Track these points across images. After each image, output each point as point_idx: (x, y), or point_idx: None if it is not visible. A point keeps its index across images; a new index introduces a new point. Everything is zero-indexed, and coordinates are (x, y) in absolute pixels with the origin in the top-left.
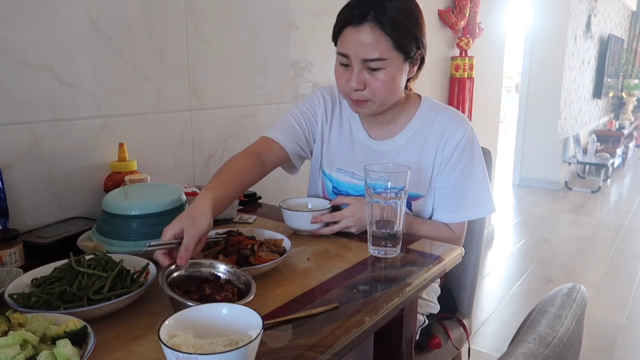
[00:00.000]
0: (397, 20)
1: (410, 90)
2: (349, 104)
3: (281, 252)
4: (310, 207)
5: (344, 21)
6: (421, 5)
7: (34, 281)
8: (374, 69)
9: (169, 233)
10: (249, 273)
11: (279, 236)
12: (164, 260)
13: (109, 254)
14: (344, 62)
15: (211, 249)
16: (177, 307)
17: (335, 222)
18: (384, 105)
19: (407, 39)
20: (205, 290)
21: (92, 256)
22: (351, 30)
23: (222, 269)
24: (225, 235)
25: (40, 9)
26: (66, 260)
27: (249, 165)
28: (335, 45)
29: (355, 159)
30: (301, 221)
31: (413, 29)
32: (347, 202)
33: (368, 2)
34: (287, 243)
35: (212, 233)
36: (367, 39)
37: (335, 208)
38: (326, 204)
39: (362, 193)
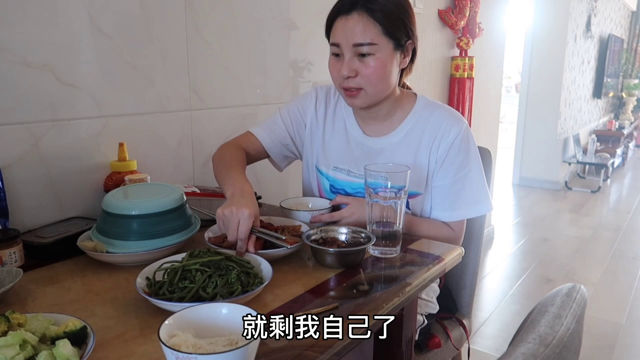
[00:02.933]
0: (386, 7)
1: (406, 86)
2: (343, 96)
3: (301, 236)
4: (310, 206)
5: (335, 12)
6: (421, 5)
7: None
8: (364, 55)
9: (246, 228)
10: (276, 256)
11: (296, 223)
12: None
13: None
14: (336, 52)
15: None
16: (318, 255)
17: (334, 222)
18: (376, 95)
19: (396, 25)
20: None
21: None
22: (341, 19)
23: (345, 231)
24: None
25: (40, 9)
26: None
27: (243, 157)
28: (329, 39)
29: (351, 157)
30: (302, 220)
31: (402, 17)
32: (346, 202)
33: None
34: (304, 228)
35: None
36: (357, 25)
37: (335, 208)
38: (326, 204)
39: (359, 190)
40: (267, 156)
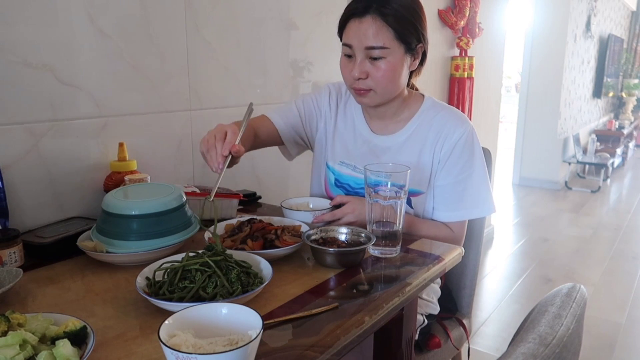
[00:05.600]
0: (399, 12)
1: (414, 87)
2: (353, 95)
3: (301, 236)
4: (311, 206)
5: (348, 13)
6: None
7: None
8: (376, 59)
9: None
10: (276, 256)
11: (296, 223)
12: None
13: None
14: (348, 53)
15: (237, 235)
16: (318, 255)
17: (337, 220)
18: (385, 96)
19: (408, 30)
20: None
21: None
22: (354, 21)
23: (345, 231)
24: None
25: (40, 9)
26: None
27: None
28: (341, 39)
29: (357, 153)
30: (303, 220)
31: (414, 21)
32: (346, 201)
33: None
34: (304, 229)
35: (234, 221)
36: (370, 29)
37: (335, 208)
38: (327, 204)
39: (362, 186)
40: (279, 139)
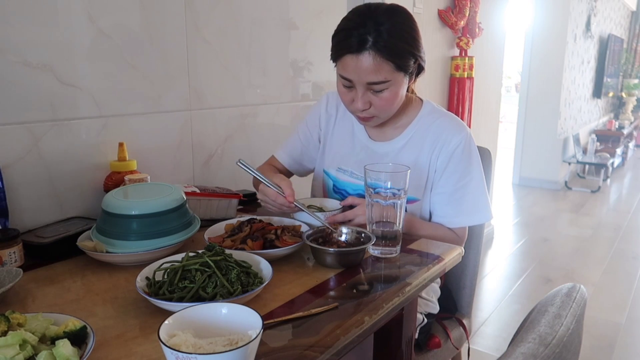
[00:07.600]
0: (395, 44)
1: (413, 92)
2: (356, 118)
3: (301, 236)
4: (322, 207)
5: (344, 50)
6: (421, 5)
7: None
8: (378, 90)
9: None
10: (276, 256)
11: (296, 223)
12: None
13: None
14: (347, 85)
15: (237, 234)
16: (318, 255)
17: (348, 221)
18: (388, 117)
19: (405, 58)
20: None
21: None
22: (351, 57)
23: (345, 231)
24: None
25: (40, 9)
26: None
27: (274, 169)
28: (334, 62)
29: (355, 159)
30: (313, 222)
31: (410, 48)
32: (358, 203)
33: (363, 28)
34: (304, 228)
35: (234, 221)
36: (369, 66)
37: (345, 209)
38: (337, 204)
39: (358, 192)
40: (290, 174)
